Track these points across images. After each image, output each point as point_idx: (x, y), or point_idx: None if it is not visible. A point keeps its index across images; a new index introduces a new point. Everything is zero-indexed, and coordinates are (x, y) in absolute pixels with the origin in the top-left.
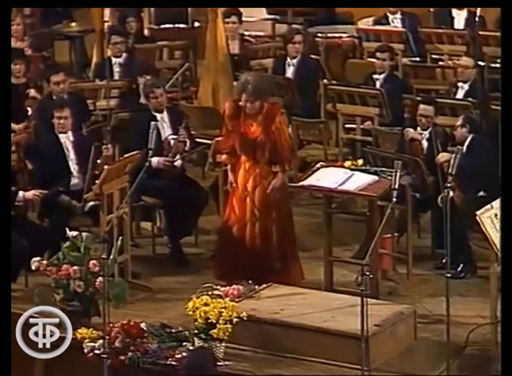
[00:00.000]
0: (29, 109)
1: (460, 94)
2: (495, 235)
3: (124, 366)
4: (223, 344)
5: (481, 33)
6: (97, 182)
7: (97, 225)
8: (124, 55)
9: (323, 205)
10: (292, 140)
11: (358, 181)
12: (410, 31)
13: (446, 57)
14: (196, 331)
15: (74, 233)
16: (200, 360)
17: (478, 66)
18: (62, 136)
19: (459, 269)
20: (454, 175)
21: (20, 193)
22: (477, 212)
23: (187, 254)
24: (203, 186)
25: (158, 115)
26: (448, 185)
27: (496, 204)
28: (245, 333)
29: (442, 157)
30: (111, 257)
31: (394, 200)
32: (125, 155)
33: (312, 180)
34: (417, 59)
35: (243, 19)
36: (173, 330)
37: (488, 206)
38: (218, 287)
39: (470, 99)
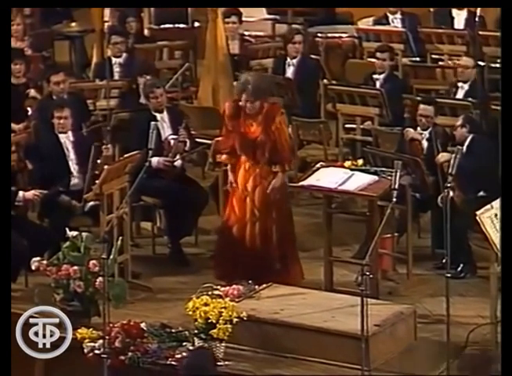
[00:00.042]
0: (29, 109)
1: (460, 94)
2: (495, 235)
3: (124, 366)
4: (223, 344)
5: (481, 33)
6: (97, 182)
7: (97, 225)
8: (124, 55)
9: (323, 205)
10: (292, 140)
11: (358, 181)
12: (410, 31)
13: (446, 57)
14: (196, 331)
15: (74, 233)
16: (200, 360)
17: (478, 66)
18: (62, 136)
19: (459, 269)
20: (454, 175)
21: (20, 193)
22: (477, 212)
23: (187, 254)
24: (203, 186)
25: (158, 115)
26: (448, 185)
27: (496, 204)
28: (245, 333)
29: (442, 157)
30: (111, 257)
31: (394, 200)
32: (125, 155)
33: (312, 180)
34: (417, 59)
35: (243, 19)
36: (173, 330)
37: (488, 206)
38: (218, 287)
39: (470, 99)
